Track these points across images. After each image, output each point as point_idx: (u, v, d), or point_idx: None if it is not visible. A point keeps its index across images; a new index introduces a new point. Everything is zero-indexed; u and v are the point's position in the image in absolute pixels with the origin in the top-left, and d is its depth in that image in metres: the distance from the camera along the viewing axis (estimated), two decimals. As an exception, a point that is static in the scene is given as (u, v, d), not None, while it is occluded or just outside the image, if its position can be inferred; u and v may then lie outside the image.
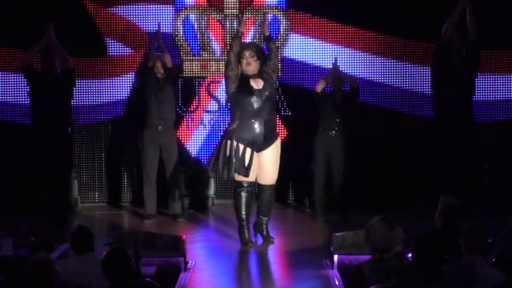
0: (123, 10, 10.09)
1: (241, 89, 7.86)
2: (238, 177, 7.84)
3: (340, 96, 9.14)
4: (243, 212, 7.83)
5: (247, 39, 10.00)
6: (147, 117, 9.16)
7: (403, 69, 10.00)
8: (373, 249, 4.81)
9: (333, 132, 9.07)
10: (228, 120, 10.01)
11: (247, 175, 7.80)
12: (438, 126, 8.73)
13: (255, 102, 7.83)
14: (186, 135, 10.13)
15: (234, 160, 7.75)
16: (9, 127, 9.87)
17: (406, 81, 10.00)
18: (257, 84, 7.89)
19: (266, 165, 7.94)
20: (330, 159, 9.11)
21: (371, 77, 10.01)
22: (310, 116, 9.24)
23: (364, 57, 9.99)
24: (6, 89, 9.85)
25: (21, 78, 9.38)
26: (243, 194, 7.83)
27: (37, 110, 8.84)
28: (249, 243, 7.84)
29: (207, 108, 10.21)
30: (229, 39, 10.06)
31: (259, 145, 7.86)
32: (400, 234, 4.92)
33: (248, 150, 7.78)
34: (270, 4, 10.07)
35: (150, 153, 9.12)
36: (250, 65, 7.89)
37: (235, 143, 7.80)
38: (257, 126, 7.82)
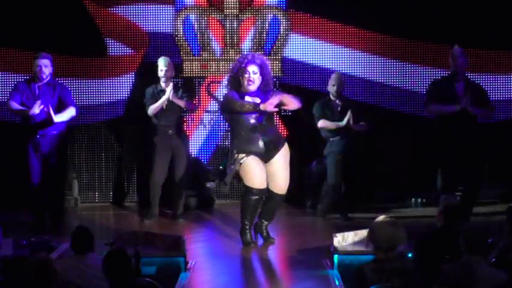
0: (123, 10, 10.09)
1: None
2: (249, 183, 7.75)
3: (340, 102, 9.07)
4: (248, 217, 7.79)
5: (247, 39, 10.02)
6: (155, 123, 9.07)
7: (403, 69, 10.01)
8: (377, 249, 4.80)
9: (338, 137, 8.99)
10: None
11: (224, 183, 7.73)
12: (440, 126, 8.72)
13: (251, 118, 7.65)
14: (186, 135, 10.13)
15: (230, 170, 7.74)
16: (9, 127, 9.87)
17: (406, 81, 10.01)
18: (254, 99, 7.70)
19: (277, 173, 7.85)
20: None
21: (371, 77, 10.02)
22: (310, 116, 9.23)
23: (364, 57, 9.99)
24: (6, 89, 9.85)
25: (21, 79, 9.37)
26: (251, 202, 7.75)
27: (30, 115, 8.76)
28: (252, 243, 7.83)
29: (207, 108, 10.21)
30: (229, 39, 10.07)
31: (264, 155, 7.76)
32: (404, 232, 4.92)
33: (240, 157, 7.70)
34: (270, 4, 10.08)
35: (161, 157, 9.00)
36: (253, 83, 7.67)
37: (236, 154, 7.71)
38: (257, 140, 7.67)
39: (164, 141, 9.02)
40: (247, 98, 7.68)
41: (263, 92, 7.74)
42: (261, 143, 7.70)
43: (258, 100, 7.68)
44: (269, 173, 7.83)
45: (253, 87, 7.69)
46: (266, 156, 7.77)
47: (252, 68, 7.67)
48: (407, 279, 4.68)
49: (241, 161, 7.67)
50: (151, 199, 9.13)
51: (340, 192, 9.04)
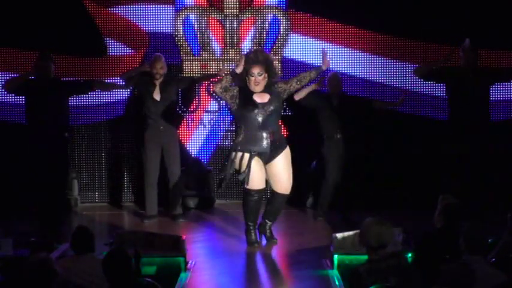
0: (123, 10, 10.09)
1: (244, 104, 7.68)
2: (247, 185, 7.75)
3: (337, 100, 9.08)
4: (251, 217, 7.83)
5: (247, 39, 10.02)
6: (147, 118, 9.12)
7: (403, 69, 10.00)
8: (369, 249, 4.82)
9: (338, 135, 9.02)
10: (228, 120, 10.08)
11: (246, 183, 7.72)
12: (452, 127, 8.72)
13: (259, 116, 7.66)
14: (186, 135, 10.13)
15: (241, 170, 7.72)
16: (9, 127, 9.87)
17: (406, 81, 10.00)
18: (262, 98, 7.70)
19: (279, 174, 7.87)
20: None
21: (371, 77, 10.01)
22: (310, 116, 9.23)
23: (364, 57, 9.99)
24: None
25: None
26: (252, 203, 7.78)
27: (32, 116, 8.79)
28: (255, 243, 7.85)
29: (207, 108, 10.21)
30: (229, 39, 10.07)
31: (267, 156, 7.78)
32: (393, 230, 4.94)
33: (246, 156, 7.70)
34: (270, 4, 10.08)
35: (151, 155, 9.07)
36: (259, 84, 7.66)
37: (239, 154, 7.72)
38: (263, 139, 7.69)
39: (154, 138, 9.03)
40: (255, 97, 7.69)
41: (270, 88, 7.72)
42: (265, 143, 7.70)
43: (266, 98, 7.69)
44: (271, 173, 7.85)
45: (259, 88, 7.69)
46: (268, 157, 7.78)
47: (257, 70, 7.65)
48: (405, 277, 4.68)
49: (242, 160, 7.69)
50: (147, 199, 9.14)
51: (339, 191, 9.07)
